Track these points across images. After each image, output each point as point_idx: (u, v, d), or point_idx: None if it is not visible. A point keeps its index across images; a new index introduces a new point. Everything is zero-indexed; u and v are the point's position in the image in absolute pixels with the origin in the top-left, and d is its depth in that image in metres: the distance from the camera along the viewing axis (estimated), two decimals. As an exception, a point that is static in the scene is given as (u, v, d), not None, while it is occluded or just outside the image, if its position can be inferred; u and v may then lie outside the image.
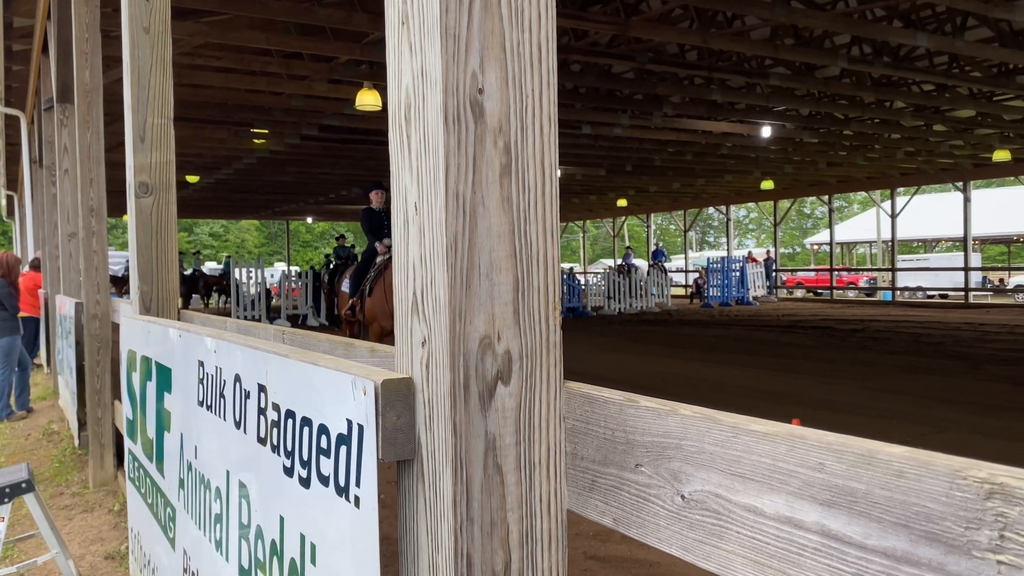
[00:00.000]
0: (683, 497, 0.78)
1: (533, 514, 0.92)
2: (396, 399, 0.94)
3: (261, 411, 1.42)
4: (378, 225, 9.05)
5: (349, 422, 1.02)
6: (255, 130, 16.64)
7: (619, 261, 31.77)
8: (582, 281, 25.42)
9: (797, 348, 13.40)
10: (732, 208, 34.62)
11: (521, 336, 0.92)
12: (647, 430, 0.83)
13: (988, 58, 12.94)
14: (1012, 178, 25.38)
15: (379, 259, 8.77)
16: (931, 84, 15.11)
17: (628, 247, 34.20)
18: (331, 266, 20.25)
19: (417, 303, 0.94)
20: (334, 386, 1.06)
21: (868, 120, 17.31)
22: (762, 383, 9.38)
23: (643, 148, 20.26)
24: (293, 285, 20.75)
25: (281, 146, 17.93)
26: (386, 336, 8.17)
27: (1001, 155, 20.13)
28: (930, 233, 36.18)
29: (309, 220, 44.98)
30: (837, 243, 36.02)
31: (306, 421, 1.18)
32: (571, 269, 29.39)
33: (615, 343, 14.85)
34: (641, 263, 31.76)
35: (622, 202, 31.46)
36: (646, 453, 0.83)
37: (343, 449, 1.04)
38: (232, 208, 37.25)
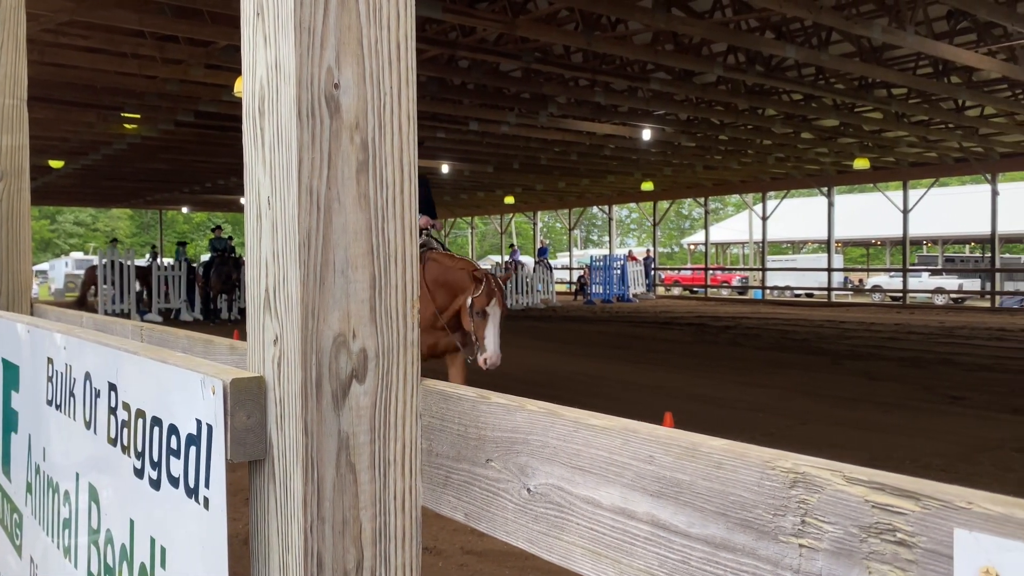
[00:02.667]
0: (529, 491, 0.80)
1: (387, 511, 0.92)
2: (246, 398, 0.92)
3: (111, 411, 1.36)
4: (422, 199, 7.69)
5: (199, 422, 0.99)
6: (126, 114, 15.81)
7: (506, 258, 32.03)
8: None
9: (673, 344, 13.90)
10: (615, 208, 35.55)
11: (378, 334, 0.92)
12: (497, 425, 0.85)
13: (850, 71, 13.79)
14: (871, 185, 27.12)
15: None
16: (799, 94, 15.98)
17: (515, 245, 34.55)
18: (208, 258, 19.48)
19: (269, 300, 0.92)
20: (184, 385, 1.03)
21: (742, 126, 18.13)
22: (640, 377, 9.69)
23: (530, 147, 20.51)
24: (166, 277, 19.83)
25: (154, 132, 17.12)
26: (428, 356, 6.22)
27: (861, 163, 21.52)
28: (798, 235, 38.25)
29: (185, 210, 43.15)
30: (712, 243, 37.58)
31: (156, 421, 1.14)
32: (458, 265, 29.36)
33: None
34: (528, 260, 32.14)
35: (509, 199, 31.73)
36: (496, 448, 0.85)
37: (193, 450, 1.01)
38: (101, 196, 35.28)
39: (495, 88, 15.07)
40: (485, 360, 5.82)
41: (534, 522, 0.80)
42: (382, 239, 0.92)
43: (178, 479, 1.07)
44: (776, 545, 0.59)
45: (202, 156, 20.93)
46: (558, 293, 28.77)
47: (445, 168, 23.01)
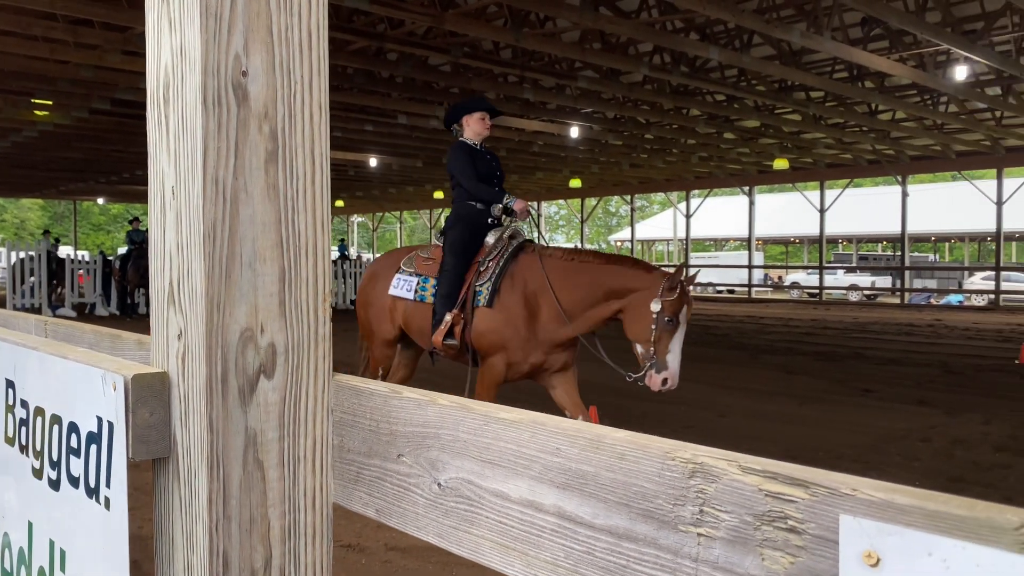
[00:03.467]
0: (440, 485, 0.80)
1: (297, 509, 0.90)
2: (149, 395, 0.89)
3: (9, 408, 1.30)
4: (486, 172, 5.22)
5: (100, 419, 0.95)
6: (37, 100, 15.12)
7: (434, 253, 31.90)
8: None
9: (599, 339, 14.06)
10: (544, 204, 35.76)
11: (287, 328, 0.90)
12: (409, 420, 0.84)
13: (770, 74, 14.19)
14: (790, 184, 27.99)
15: (490, 238, 5.05)
16: (722, 95, 16.35)
17: (444, 239, 34.41)
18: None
19: (173, 293, 0.90)
20: (85, 381, 0.99)
21: (667, 125, 18.47)
22: (566, 373, 9.77)
23: (459, 141, 20.44)
24: (80, 271, 19.06)
25: (68, 119, 16.43)
26: (526, 377, 5.06)
27: (780, 163, 22.18)
28: (720, 233, 39.19)
29: (101, 201, 41.56)
30: (638, 240, 38.17)
31: (56, 419, 1.09)
32: (386, 260, 29.11)
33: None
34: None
35: (439, 194, 31.61)
36: (407, 443, 0.84)
37: (94, 448, 0.97)
38: (11, 185, 33.66)
39: (424, 82, 14.97)
40: (665, 380, 4.61)
41: (444, 516, 0.79)
42: (292, 231, 0.90)
43: (78, 479, 1.03)
44: (676, 534, 0.60)
45: (120, 145, 20.18)
46: (487, 289, 28.74)
47: (373, 162, 22.76)
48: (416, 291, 5.13)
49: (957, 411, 7.23)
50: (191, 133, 0.86)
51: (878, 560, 0.49)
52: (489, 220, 5.12)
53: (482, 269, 4.89)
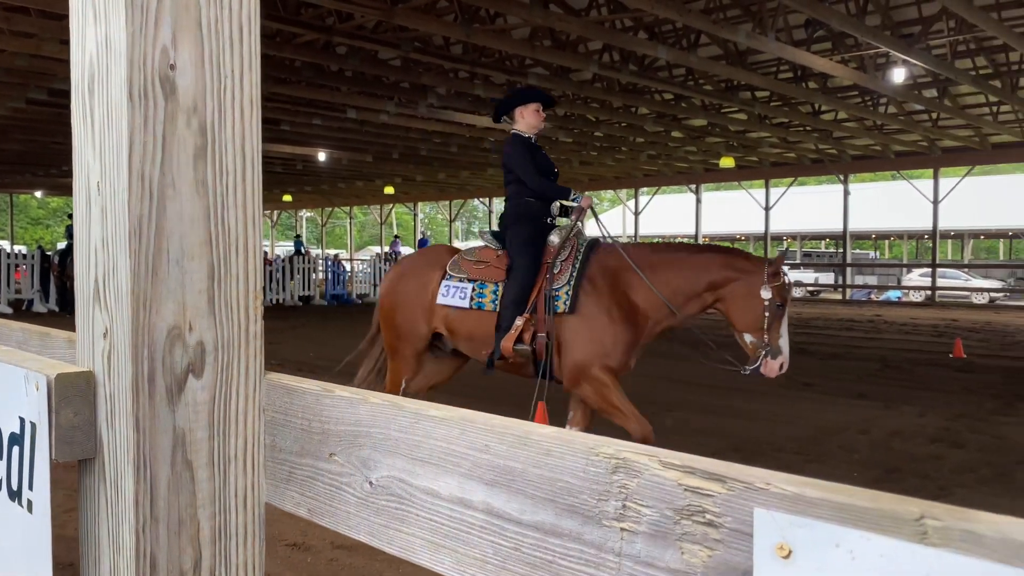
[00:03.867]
0: (371, 483, 0.80)
1: (227, 509, 0.89)
2: (73, 394, 0.87)
3: (-70, 410, 1.25)
4: (545, 166, 4.91)
5: (22, 420, 0.93)
6: (-32, 89, 14.59)
7: (387, 249, 31.68)
8: (348, 268, 25.07)
9: (550, 335, 14.12)
10: (495, 201, 35.78)
11: (217, 326, 0.89)
12: (341, 419, 0.84)
13: (717, 74, 14.40)
14: (736, 183, 28.47)
15: (555, 237, 4.68)
16: (670, 94, 16.55)
17: (396, 235, 34.22)
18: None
19: (99, 291, 0.87)
20: (7, 381, 0.96)
21: (616, 123, 18.62)
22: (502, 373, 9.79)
23: (409, 137, 20.33)
24: (18, 266, 18.46)
25: (3, 110, 15.89)
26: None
27: (727, 162, 22.54)
28: (669, 230, 39.66)
29: (39, 194, 40.31)
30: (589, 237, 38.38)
31: (-23, 420, 1.06)
32: (336, 256, 28.85)
33: (377, 331, 14.78)
34: (409, 251, 31.89)
35: (389, 189, 31.38)
36: (339, 442, 0.84)
37: (16, 450, 0.95)
38: (-60, 177, 32.40)
39: (374, 76, 14.84)
40: (781, 365, 4.49)
41: (376, 515, 0.79)
42: (222, 228, 0.89)
43: (1, 481, 1.00)
44: (600, 529, 0.61)
45: (59, 137, 19.62)
46: (438, 285, 28.65)
47: (322, 156, 22.49)
48: (472, 298, 4.69)
49: (894, 404, 7.44)
50: (116, 126, 0.84)
51: (790, 552, 0.51)
52: (548, 219, 4.79)
53: (556, 271, 4.56)
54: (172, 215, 0.85)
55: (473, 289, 4.71)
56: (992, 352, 11.61)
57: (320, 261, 22.67)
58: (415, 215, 38.56)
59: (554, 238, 4.70)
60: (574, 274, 4.53)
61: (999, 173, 32.32)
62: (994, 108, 17.49)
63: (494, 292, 4.66)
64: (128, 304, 0.82)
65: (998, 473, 5.17)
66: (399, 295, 5.03)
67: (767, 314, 4.41)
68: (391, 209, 40.14)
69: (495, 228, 5.24)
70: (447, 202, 36.51)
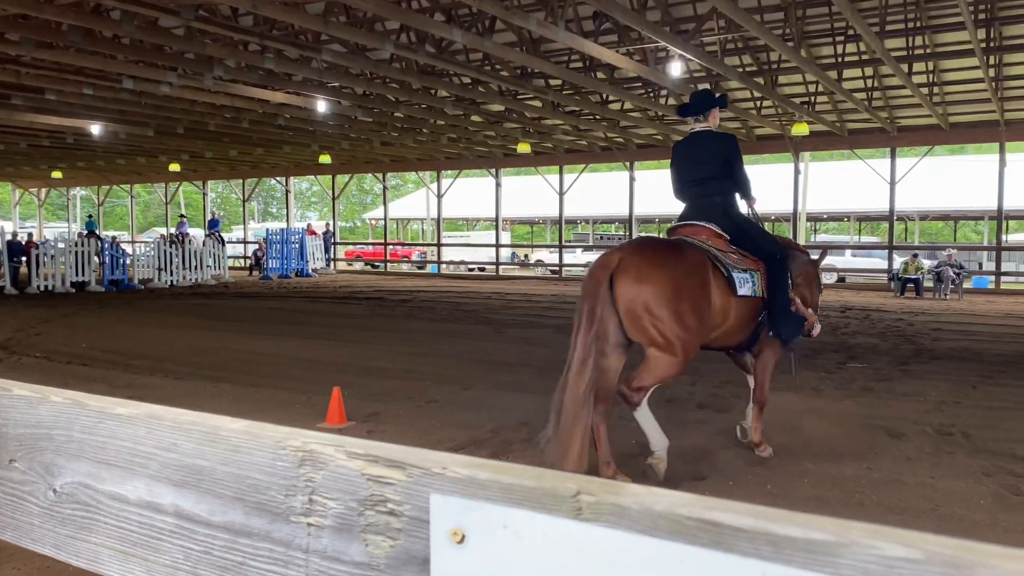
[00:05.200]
0: (55, 491, 0.72)
1: None
2: None
3: None
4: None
5: None
6: None
7: (172, 230, 29.67)
8: (128, 251, 23.23)
9: (350, 318, 13.90)
10: (294, 180, 34.53)
11: None
12: (21, 421, 0.75)
13: (512, 60, 14.70)
14: (533, 168, 29.33)
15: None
16: (468, 78, 16.70)
17: (183, 215, 32.08)
18: None
19: None
20: None
21: (416, 105, 18.52)
22: (313, 353, 9.54)
23: (196, 111, 19.10)
24: None
25: None
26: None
27: (524, 147, 23.17)
28: (471, 213, 40.23)
29: None
30: (392, 219, 38.19)
31: None
32: (115, 238, 26.67)
33: (164, 319, 13.86)
34: (197, 233, 30.06)
35: (175, 166, 29.37)
36: (20, 447, 0.75)
37: None
38: None
39: (154, 45, 13.76)
40: (819, 329, 5.53)
41: (61, 525, 0.71)
42: None
43: None
44: (288, 526, 0.58)
45: None
46: (232, 268, 27.32)
47: (96, 129, 20.59)
48: (752, 286, 5.00)
49: (671, 376, 7.98)
50: None
51: (463, 537, 0.50)
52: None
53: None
54: None
55: (750, 277, 5.04)
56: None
57: (92, 243, 20.75)
58: (204, 194, 36.35)
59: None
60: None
61: (763, 163, 35.58)
62: (758, 103, 19.18)
63: (753, 279, 5.06)
64: None
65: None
66: (681, 288, 5.00)
67: (813, 288, 5.62)
68: (178, 187, 37.62)
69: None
70: (240, 180, 34.74)
